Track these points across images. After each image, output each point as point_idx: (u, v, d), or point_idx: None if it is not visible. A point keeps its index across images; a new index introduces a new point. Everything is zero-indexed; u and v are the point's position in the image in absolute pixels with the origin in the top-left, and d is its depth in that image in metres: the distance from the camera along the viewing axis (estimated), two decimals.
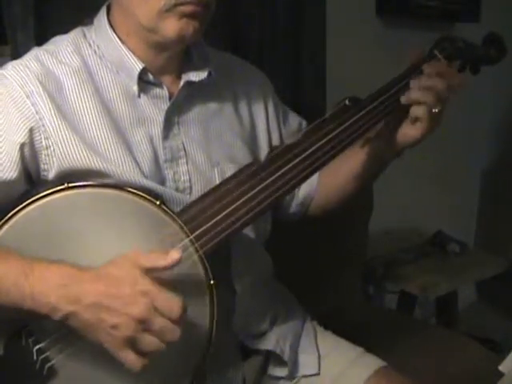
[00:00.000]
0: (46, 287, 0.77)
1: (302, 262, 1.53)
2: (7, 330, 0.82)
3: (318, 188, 1.17)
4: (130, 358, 0.77)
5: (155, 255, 0.80)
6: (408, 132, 0.98)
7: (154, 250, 0.82)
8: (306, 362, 1.10)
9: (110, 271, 0.79)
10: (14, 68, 0.91)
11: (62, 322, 0.78)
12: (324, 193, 1.17)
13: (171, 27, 0.90)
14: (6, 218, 0.82)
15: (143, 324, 0.76)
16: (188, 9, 0.88)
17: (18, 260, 0.79)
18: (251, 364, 1.07)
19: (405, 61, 1.03)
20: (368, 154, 1.06)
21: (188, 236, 0.86)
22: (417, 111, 0.96)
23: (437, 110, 0.95)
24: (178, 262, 0.79)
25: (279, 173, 0.92)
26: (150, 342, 0.77)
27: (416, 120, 0.96)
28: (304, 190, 1.17)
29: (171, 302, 0.77)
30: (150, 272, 0.79)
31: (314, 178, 1.16)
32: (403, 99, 0.97)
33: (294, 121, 1.19)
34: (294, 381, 1.10)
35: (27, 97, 0.89)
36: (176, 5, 0.88)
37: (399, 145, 1.01)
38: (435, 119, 0.96)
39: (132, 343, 0.77)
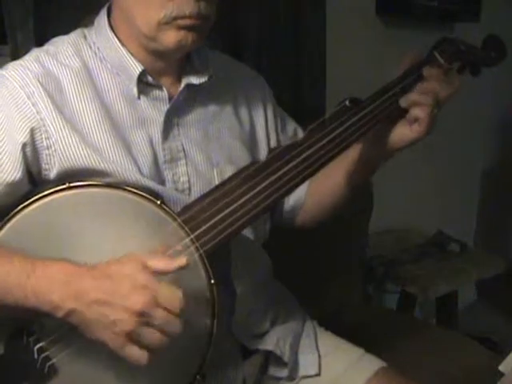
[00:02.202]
0: (48, 285, 0.77)
1: (302, 263, 1.53)
2: (8, 328, 0.82)
3: (307, 197, 1.17)
4: (135, 354, 0.77)
5: (160, 258, 0.80)
6: (405, 133, 0.98)
7: (155, 249, 0.82)
8: (307, 363, 1.10)
9: (111, 267, 0.78)
10: (14, 69, 0.91)
11: (64, 319, 0.77)
12: (312, 201, 1.16)
13: (170, 38, 0.90)
14: (8, 217, 0.82)
15: (144, 317, 0.76)
16: (187, 22, 0.89)
17: (21, 259, 0.80)
18: (251, 364, 1.07)
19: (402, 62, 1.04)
20: (356, 159, 1.05)
21: (188, 235, 0.86)
22: (417, 112, 0.95)
23: (435, 111, 0.95)
24: (183, 268, 0.80)
25: (279, 173, 0.92)
26: (152, 336, 0.77)
27: (415, 121, 0.96)
28: (293, 197, 1.16)
29: (171, 295, 0.77)
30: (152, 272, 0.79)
31: (303, 186, 1.14)
32: (403, 102, 0.97)
33: (291, 127, 1.19)
34: (295, 381, 1.10)
35: (28, 97, 0.89)
36: (176, 18, 0.88)
37: (393, 146, 1.00)
38: (433, 121, 0.96)
39: (134, 338, 0.76)
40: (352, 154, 1.06)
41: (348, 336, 1.17)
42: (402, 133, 0.98)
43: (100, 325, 0.77)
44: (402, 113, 0.99)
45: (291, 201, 1.17)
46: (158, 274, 0.79)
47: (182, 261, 0.80)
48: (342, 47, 1.91)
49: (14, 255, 0.80)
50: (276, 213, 1.18)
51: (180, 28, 0.89)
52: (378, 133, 1.01)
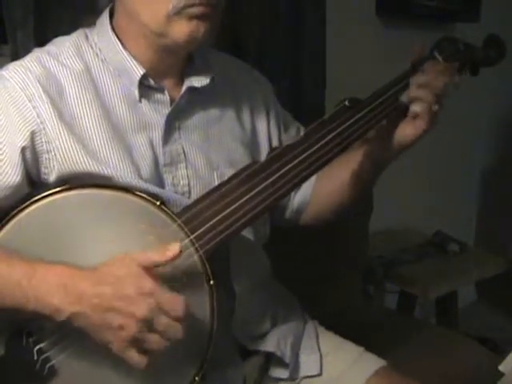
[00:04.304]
0: (47, 288, 0.77)
1: (302, 263, 1.53)
2: (8, 329, 0.82)
3: (312, 197, 1.16)
4: (135, 357, 0.78)
5: (153, 252, 0.80)
6: (406, 130, 0.98)
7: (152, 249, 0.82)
8: (308, 363, 1.10)
9: (110, 270, 0.79)
10: (15, 69, 0.90)
11: (67, 323, 0.77)
12: (318, 202, 1.16)
13: (181, 30, 0.88)
14: (8, 218, 0.82)
15: (147, 324, 0.77)
16: (197, 10, 0.87)
17: (21, 262, 0.80)
18: (251, 364, 1.07)
19: (405, 60, 1.03)
20: (363, 159, 1.06)
21: (188, 236, 0.86)
22: (416, 107, 0.96)
23: (436, 108, 0.96)
24: (178, 257, 0.80)
25: (279, 173, 0.92)
26: (153, 340, 0.78)
27: (415, 117, 0.96)
28: (298, 197, 1.16)
29: (174, 301, 0.78)
30: (149, 269, 0.79)
31: (310, 187, 1.15)
32: (403, 97, 0.98)
33: (293, 127, 1.18)
34: (296, 382, 1.10)
35: (29, 100, 0.88)
36: (184, 7, 0.86)
37: (397, 145, 1.00)
38: (434, 117, 0.96)
39: (136, 342, 0.77)
40: (358, 155, 1.06)
41: (348, 336, 1.17)
42: (405, 130, 0.98)
43: (104, 328, 0.77)
44: (403, 112, 0.99)
45: (296, 201, 1.17)
46: (156, 267, 0.79)
47: (175, 248, 0.80)
48: (341, 47, 1.91)
49: (13, 258, 0.80)
50: (278, 213, 1.17)
51: (191, 18, 0.87)
52: (382, 133, 1.02)
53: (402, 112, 0.99)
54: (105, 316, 0.77)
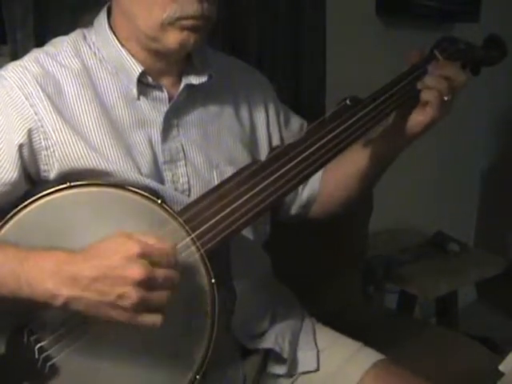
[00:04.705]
0: (41, 274, 0.76)
1: (302, 263, 1.53)
2: (9, 328, 0.82)
3: (321, 189, 1.16)
4: (148, 320, 0.76)
5: (149, 236, 0.79)
6: (419, 118, 0.98)
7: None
8: (305, 359, 1.10)
9: (99, 245, 0.77)
10: (13, 69, 0.92)
11: (64, 308, 0.76)
12: (327, 194, 1.16)
13: (172, 39, 0.90)
14: (8, 216, 0.82)
15: (147, 283, 0.75)
16: (190, 23, 0.89)
17: (14, 250, 0.79)
18: (251, 363, 1.07)
19: (405, 60, 1.04)
20: (371, 152, 1.06)
21: (189, 235, 0.86)
22: (426, 95, 0.97)
23: (447, 99, 0.96)
24: (170, 254, 0.79)
25: (280, 172, 0.92)
26: (159, 296, 0.76)
27: (426, 104, 0.97)
28: (307, 191, 1.16)
29: (164, 250, 0.78)
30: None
31: (317, 179, 1.15)
32: (419, 85, 0.99)
33: (296, 123, 1.19)
34: (293, 378, 1.10)
35: (26, 98, 0.89)
36: (179, 19, 0.88)
37: (410, 133, 1.01)
38: (445, 107, 0.97)
39: (143, 305, 0.75)
40: (368, 147, 1.06)
41: (348, 336, 1.17)
42: (417, 118, 0.99)
43: (104, 302, 0.75)
44: (406, 110, 0.99)
45: (305, 194, 1.17)
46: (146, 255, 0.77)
47: (170, 244, 0.79)
48: (342, 47, 1.91)
49: (7, 246, 0.80)
50: (283, 210, 1.17)
51: (183, 29, 0.89)
52: (393, 123, 1.02)
53: (402, 111, 1.00)
54: (102, 289, 0.74)
